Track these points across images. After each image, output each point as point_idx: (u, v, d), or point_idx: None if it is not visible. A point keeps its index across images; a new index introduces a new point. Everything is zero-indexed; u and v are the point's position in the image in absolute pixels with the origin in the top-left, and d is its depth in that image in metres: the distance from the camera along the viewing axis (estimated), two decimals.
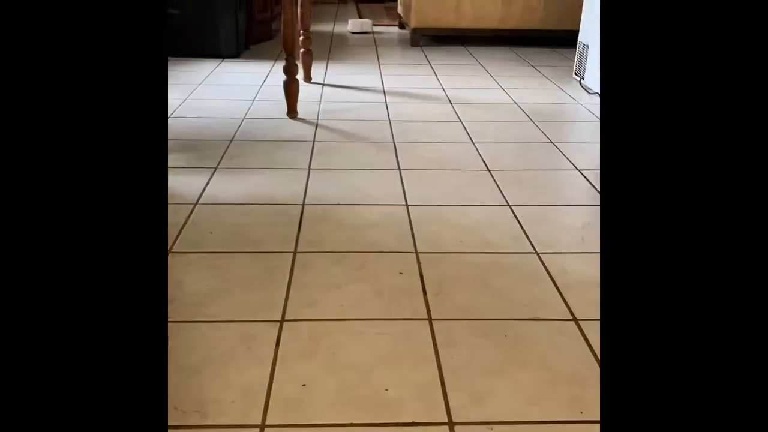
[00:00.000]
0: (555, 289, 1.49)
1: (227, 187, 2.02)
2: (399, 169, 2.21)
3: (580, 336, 1.31)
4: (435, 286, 1.49)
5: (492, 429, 1.07)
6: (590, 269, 1.57)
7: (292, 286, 1.47)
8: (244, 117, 2.74)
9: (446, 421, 1.09)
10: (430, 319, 1.36)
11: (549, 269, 1.57)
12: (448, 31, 4.31)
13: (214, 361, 1.21)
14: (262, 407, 1.10)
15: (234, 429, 1.06)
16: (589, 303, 1.43)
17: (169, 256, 1.59)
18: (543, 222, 1.83)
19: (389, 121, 2.74)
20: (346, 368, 1.21)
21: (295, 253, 1.62)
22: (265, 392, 1.14)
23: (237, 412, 1.09)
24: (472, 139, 2.52)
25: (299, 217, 1.82)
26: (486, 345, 1.28)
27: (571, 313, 1.39)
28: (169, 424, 1.06)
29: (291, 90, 2.71)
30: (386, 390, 1.15)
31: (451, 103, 3.04)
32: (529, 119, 2.80)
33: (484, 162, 2.28)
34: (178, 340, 1.27)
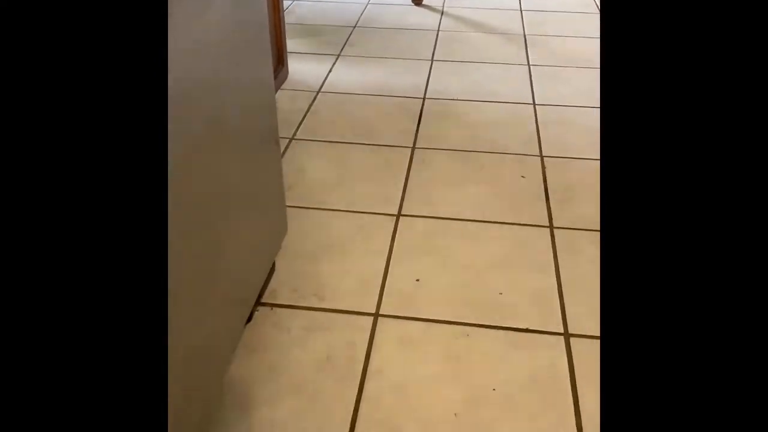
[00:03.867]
0: None
1: (349, 76, 1.99)
2: (528, 64, 2.06)
3: None
4: (559, 193, 1.41)
5: None
6: None
7: (409, 182, 1.45)
8: (368, 2, 2.64)
9: (562, 331, 1.06)
10: (551, 227, 1.30)
11: None
12: None
13: (331, 249, 1.24)
14: (377, 297, 1.13)
15: (349, 315, 1.09)
16: None
17: (292, 142, 1.62)
18: None
19: (520, 10, 2.54)
20: (460, 268, 1.19)
21: (413, 148, 1.59)
22: (380, 283, 1.16)
23: (353, 299, 1.12)
24: None
25: (419, 111, 1.77)
26: None
27: None
28: (287, 304, 1.12)
29: None
30: (500, 294, 1.13)
31: None
32: None
33: None
34: (297, 225, 1.31)
